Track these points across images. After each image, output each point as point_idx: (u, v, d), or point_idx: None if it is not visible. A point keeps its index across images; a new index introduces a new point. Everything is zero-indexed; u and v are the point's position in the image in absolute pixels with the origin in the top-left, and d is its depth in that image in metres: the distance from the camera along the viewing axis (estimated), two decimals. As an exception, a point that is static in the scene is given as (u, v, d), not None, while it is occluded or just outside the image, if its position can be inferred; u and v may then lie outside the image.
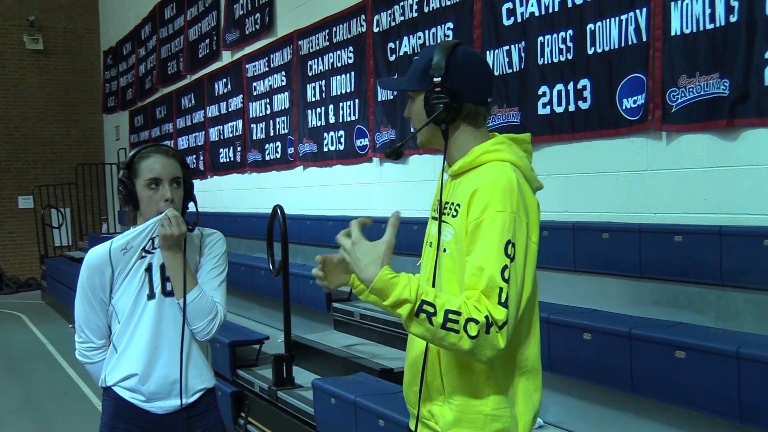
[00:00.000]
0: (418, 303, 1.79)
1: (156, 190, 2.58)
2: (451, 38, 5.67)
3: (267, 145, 8.99)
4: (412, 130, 2.11)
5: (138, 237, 2.64)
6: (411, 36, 6.18)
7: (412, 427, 2.09)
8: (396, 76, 6.13)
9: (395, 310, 1.82)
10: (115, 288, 2.66)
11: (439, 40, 5.77)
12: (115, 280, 2.65)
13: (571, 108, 4.60)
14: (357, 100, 7.05)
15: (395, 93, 6.07)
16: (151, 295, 2.64)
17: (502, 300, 1.83)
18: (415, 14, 6.13)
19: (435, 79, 1.99)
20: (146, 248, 2.65)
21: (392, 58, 6.43)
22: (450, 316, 1.79)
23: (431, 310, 1.79)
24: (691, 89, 3.87)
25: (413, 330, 1.84)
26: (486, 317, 1.80)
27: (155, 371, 2.65)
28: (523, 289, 1.90)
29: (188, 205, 2.71)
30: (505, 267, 1.84)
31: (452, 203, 2.00)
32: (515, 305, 1.86)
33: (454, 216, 1.98)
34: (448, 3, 5.72)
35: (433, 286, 2.01)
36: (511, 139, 2.06)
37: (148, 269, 2.64)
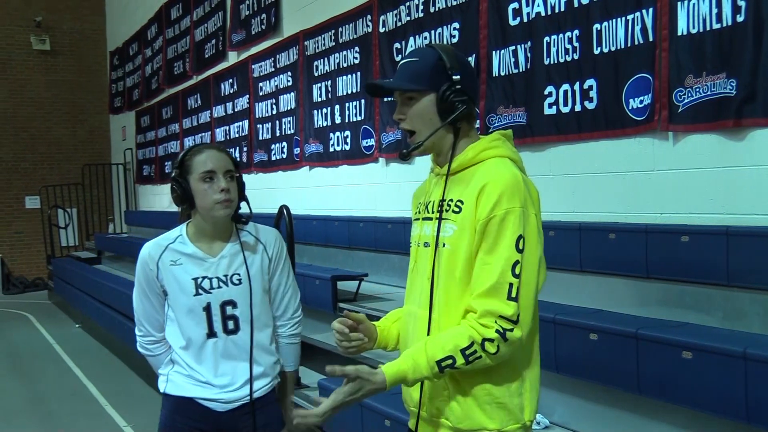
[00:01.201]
0: (436, 369, 1.90)
1: (211, 183, 2.57)
2: (457, 39, 5.67)
3: (273, 146, 9.00)
4: (400, 130, 2.15)
5: (193, 259, 2.63)
6: (417, 36, 6.18)
7: (411, 426, 2.11)
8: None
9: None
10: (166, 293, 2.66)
11: (445, 41, 5.76)
12: (163, 284, 2.65)
13: (578, 108, 4.59)
14: (363, 101, 7.05)
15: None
16: (211, 334, 2.63)
17: (512, 295, 1.88)
18: (421, 14, 6.13)
19: (455, 77, 2.00)
20: (203, 286, 2.62)
21: (398, 59, 6.43)
22: (467, 351, 1.89)
23: (450, 362, 1.90)
24: (697, 89, 3.86)
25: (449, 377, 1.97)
26: (497, 330, 1.88)
27: (223, 382, 2.66)
28: (538, 275, 1.95)
29: (241, 205, 2.70)
30: (517, 263, 1.90)
31: (452, 200, 2.01)
32: (530, 294, 1.92)
33: (456, 212, 1.99)
34: (454, 3, 5.72)
35: (432, 285, 2.02)
36: (502, 136, 2.10)
37: (207, 308, 2.62)
